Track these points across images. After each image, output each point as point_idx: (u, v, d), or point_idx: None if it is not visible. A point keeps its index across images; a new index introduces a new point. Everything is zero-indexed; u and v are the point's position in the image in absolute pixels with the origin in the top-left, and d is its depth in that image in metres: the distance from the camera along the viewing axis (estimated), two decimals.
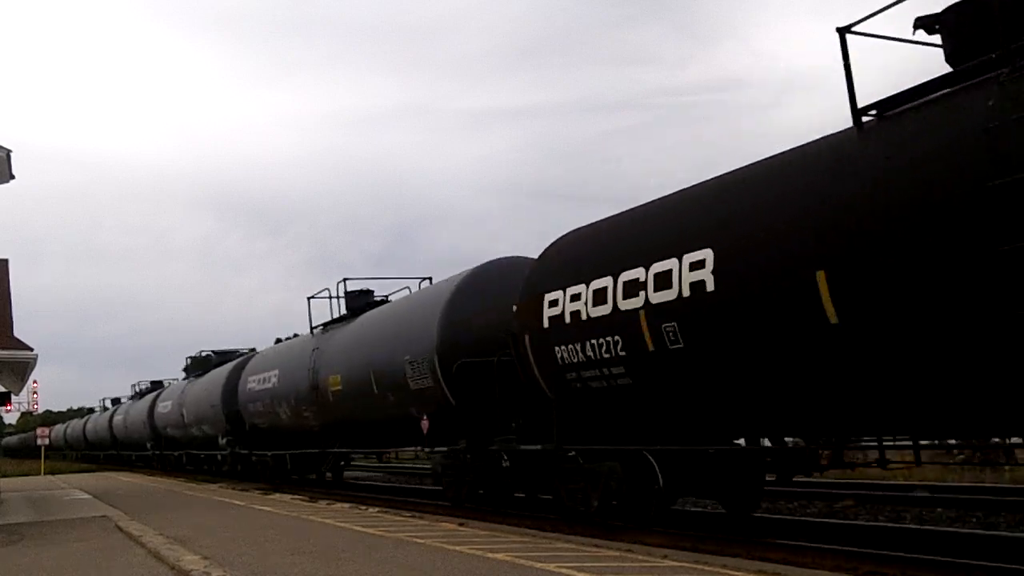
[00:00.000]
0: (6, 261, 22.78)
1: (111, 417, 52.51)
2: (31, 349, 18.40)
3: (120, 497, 21.81)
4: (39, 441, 49.59)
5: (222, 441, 29.56)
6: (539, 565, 8.10)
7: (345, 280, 21.72)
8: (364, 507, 15.73)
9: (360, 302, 21.02)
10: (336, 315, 21.80)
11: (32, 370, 20.63)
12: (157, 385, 46.69)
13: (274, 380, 24.00)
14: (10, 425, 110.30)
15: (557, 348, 11.59)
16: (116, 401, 57.90)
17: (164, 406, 38.07)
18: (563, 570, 7.81)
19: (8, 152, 16.21)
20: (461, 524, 12.22)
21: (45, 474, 42.68)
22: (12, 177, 16.91)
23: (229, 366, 30.58)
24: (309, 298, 22.75)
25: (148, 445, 41.73)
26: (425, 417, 15.67)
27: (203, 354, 36.14)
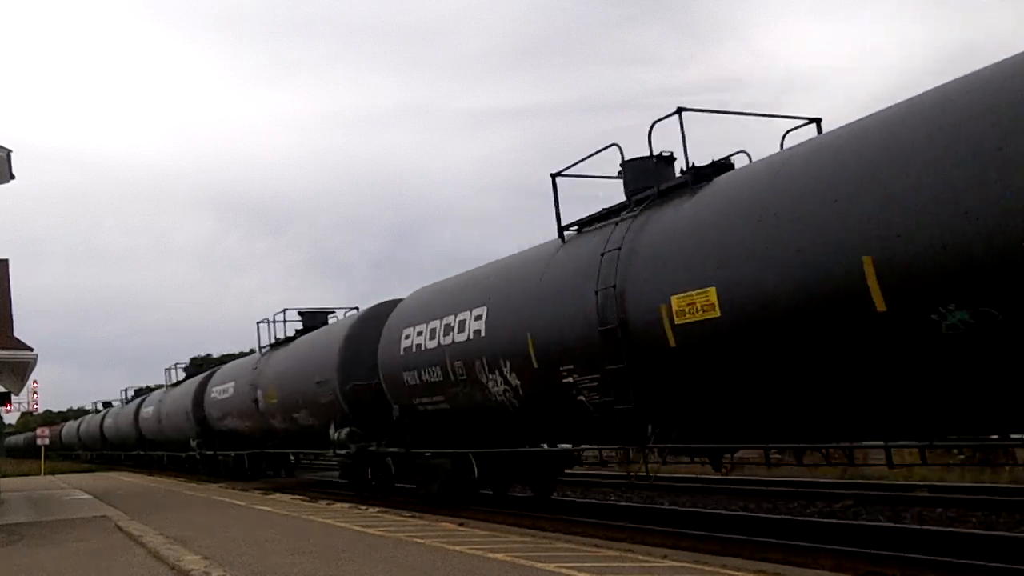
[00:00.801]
0: (6, 261, 22.79)
1: (137, 410, 43.46)
2: (31, 349, 18.40)
3: (120, 497, 21.81)
4: (39, 441, 49.53)
5: (340, 435, 18.62)
6: (539, 565, 8.10)
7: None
8: (364, 507, 15.72)
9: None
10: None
11: (32, 370, 20.62)
12: (199, 367, 37.78)
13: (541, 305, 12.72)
14: (10, 425, 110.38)
15: None
16: (141, 391, 48.60)
17: (222, 390, 28.62)
18: (563, 570, 7.81)
19: (8, 152, 16.22)
20: (461, 524, 12.21)
21: (45, 474, 42.67)
22: (12, 177, 16.92)
23: (350, 320, 19.87)
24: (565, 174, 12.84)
25: (193, 443, 32.67)
26: None
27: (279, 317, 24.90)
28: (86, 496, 22.98)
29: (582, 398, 11.64)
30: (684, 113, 10.88)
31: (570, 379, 11.70)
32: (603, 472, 19.03)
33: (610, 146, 11.96)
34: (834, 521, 12.44)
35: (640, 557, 8.62)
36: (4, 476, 40.33)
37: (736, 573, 7.54)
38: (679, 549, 9.43)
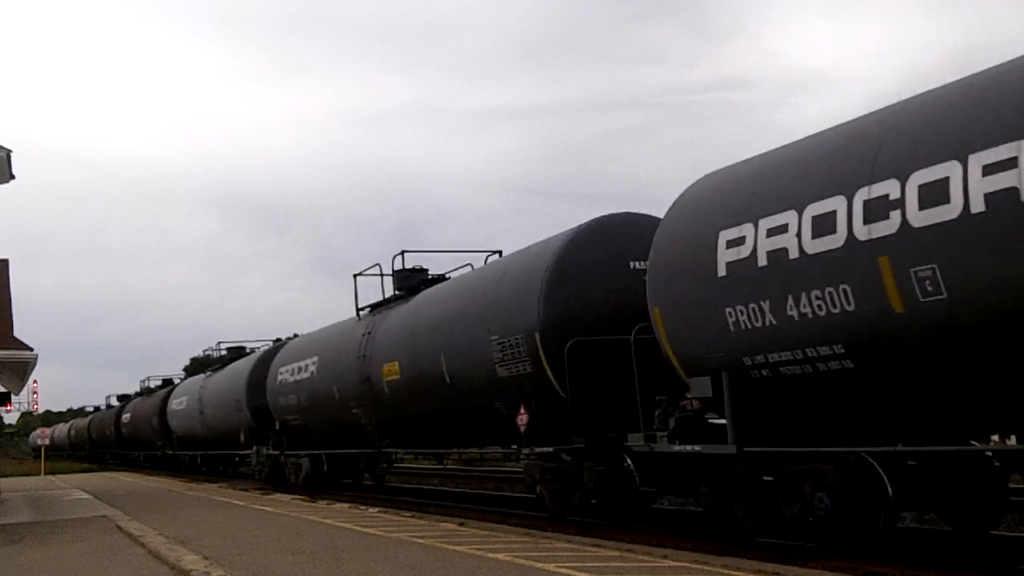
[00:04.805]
0: (6, 261, 22.80)
1: (164, 402, 36.69)
2: (31, 349, 18.41)
3: (120, 497, 21.81)
4: (39, 441, 49.59)
5: (543, 422, 12.42)
6: (539, 565, 8.10)
7: None
8: (364, 507, 15.72)
9: None
10: None
11: (32, 370, 20.64)
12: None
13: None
14: (10, 425, 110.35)
15: None
16: (169, 382, 41.82)
17: (296, 369, 21.63)
18: (563, 570, 7.81)
19: (8, 152, 16.21)
20: (461, 524, 12.21)
21: (45, 474, 42.67)
22: (12, 177, 16.91)
23: (556, 243, 12.63)
24: None
25: (242, 438, 26.20)
26: None
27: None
28: (86, 496, 22.96)
29: None
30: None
31: None
32: None
33: None
34: None
35: (640, 557, 8.63)
36: (4, 476, 40.33)
37: (736, 573, 7.55)
38: (679, 549, 9.42)
